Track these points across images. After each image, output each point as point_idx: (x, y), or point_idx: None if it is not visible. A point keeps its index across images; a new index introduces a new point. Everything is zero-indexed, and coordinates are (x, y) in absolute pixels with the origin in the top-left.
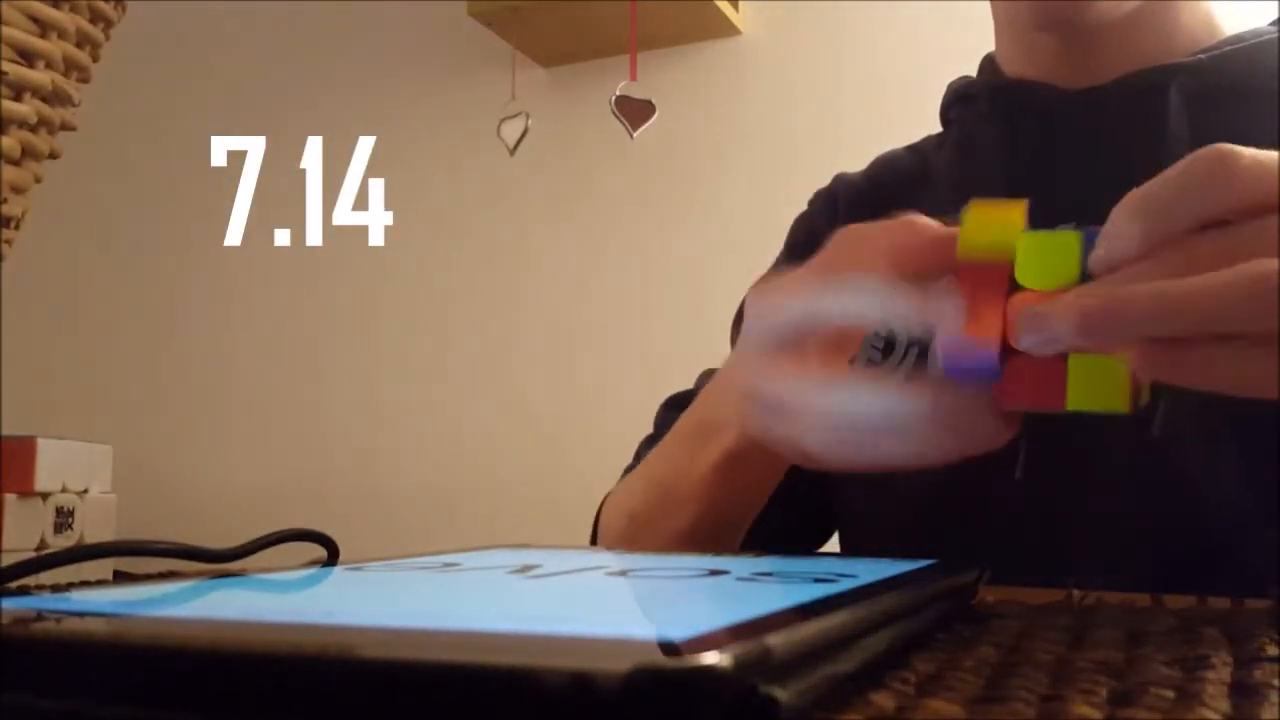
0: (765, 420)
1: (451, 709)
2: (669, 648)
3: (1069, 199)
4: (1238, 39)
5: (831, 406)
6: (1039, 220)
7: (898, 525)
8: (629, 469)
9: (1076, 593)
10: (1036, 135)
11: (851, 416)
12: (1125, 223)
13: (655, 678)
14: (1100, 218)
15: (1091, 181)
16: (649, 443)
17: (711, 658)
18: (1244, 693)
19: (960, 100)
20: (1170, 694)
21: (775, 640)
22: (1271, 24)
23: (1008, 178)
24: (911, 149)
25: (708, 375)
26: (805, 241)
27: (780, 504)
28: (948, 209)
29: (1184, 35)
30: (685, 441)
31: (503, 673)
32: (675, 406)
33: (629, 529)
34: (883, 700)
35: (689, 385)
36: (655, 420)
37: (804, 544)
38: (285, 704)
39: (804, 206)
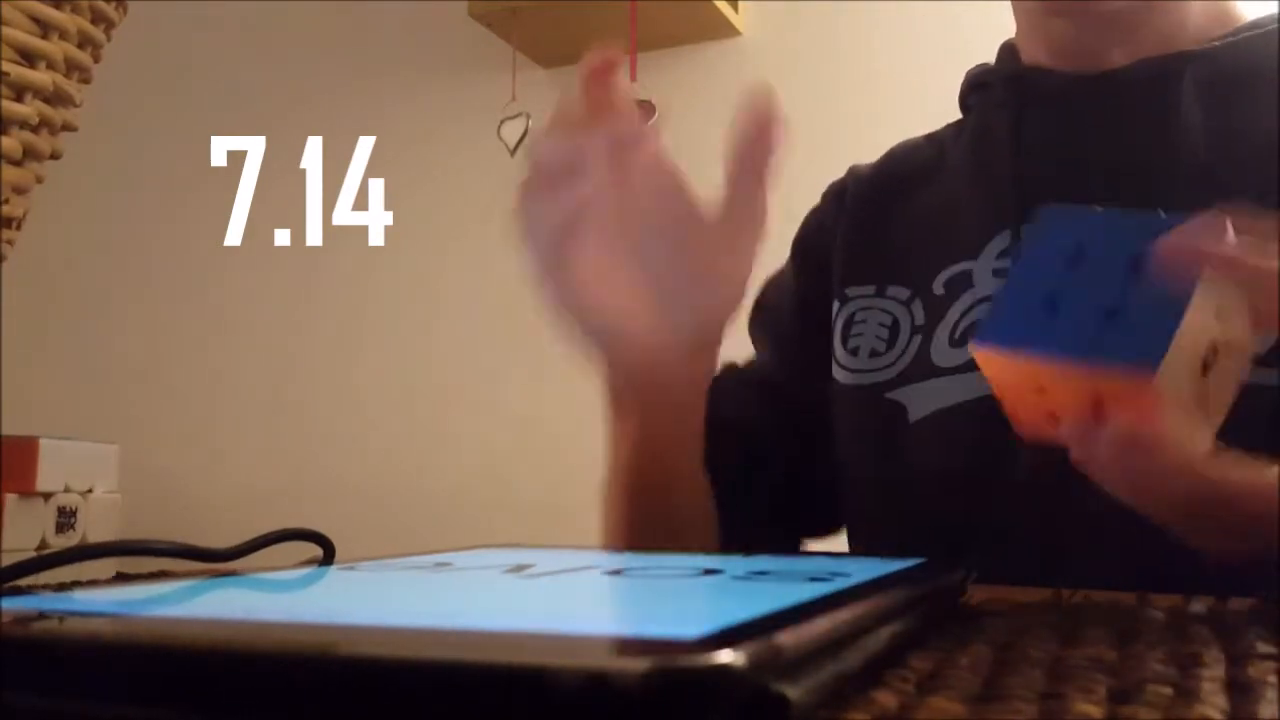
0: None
1: (466, 708)
2: (683, 646)
3: (1081, 186)
4: (1255, 25)
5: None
6: (1047, 203)
7: (899, 524)
8: None
9: (1065, 591)
10: (1049, 122)
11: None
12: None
13: (673, 676)
14: (1110, 203)
15: (1101, 168)
16: None
17: (727, 656)
18: (1241, 690)
19: (977, 88)
20: (1168, 691)
21: (786, 639)
22: None
23: (1017, 161)
24: (930, 137)
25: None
26: (815, 235)
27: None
28: (956, 192)
29: (1200, 21)
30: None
31: (520, 672)
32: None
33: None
34: (885, 698)
35: None
36: None
37: (807, 530)
38: (289, 704)
39: (803, 205)
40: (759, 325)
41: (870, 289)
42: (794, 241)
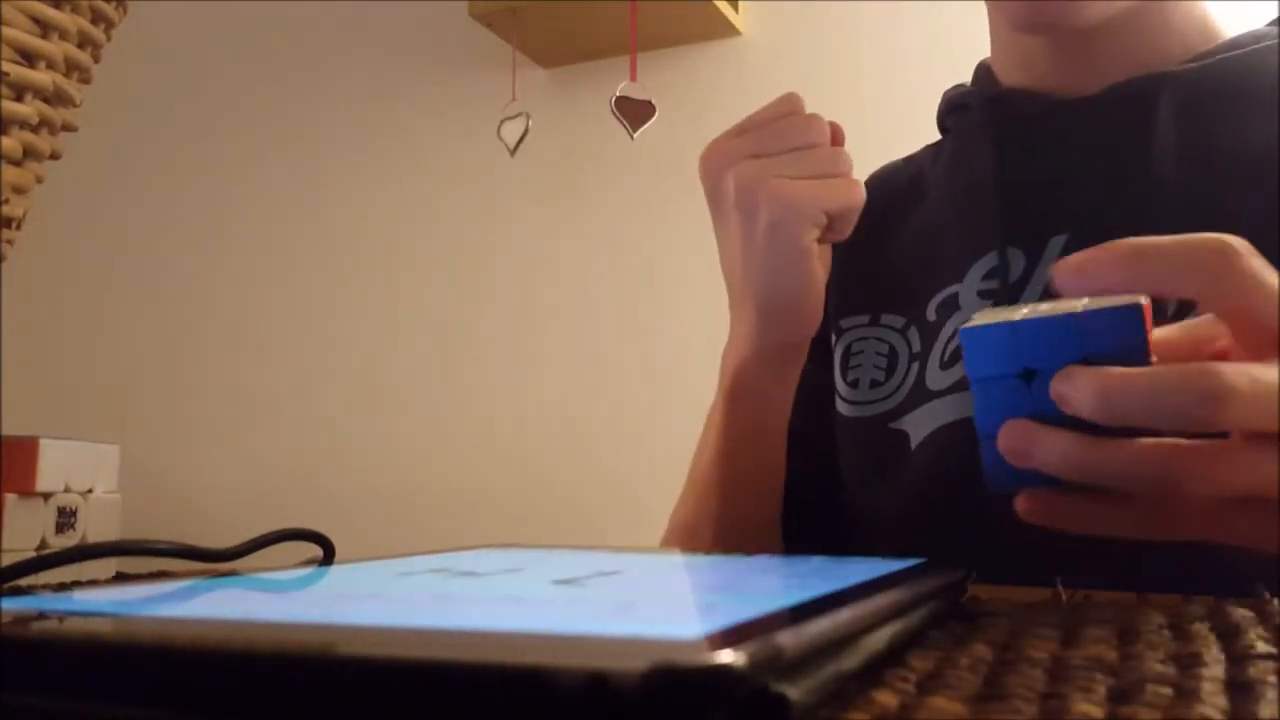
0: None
1: (466, 708)
2: (683, 646)
3: (1059, 209)
4: (1234, 44)
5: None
6: (1032, 231)
7: (896, 525)
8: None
9: (1064, 591)
10: (1027, 146)
11: None
12: (1113, 263)
13: (673, 677)
14: (1091, 229)
15: (1081, 192)
16: None
17: (727, 656)
18: (1241, 690)
19: (954, 110)
20: (1168, 691)
21: (786, 638)
22: (1270, 24)
23: (998, 187)
24: (909, 160)
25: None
26: None
27: (802, 504)
28: (940, 218)
29: (1179, 40)
30: (705, 424)
31: (520, 672)
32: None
33: (689, 543)
34: (885, 698)
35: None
36: None
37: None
38: (289, 704)
39: None
40: None
41: (864, 319)
42: None
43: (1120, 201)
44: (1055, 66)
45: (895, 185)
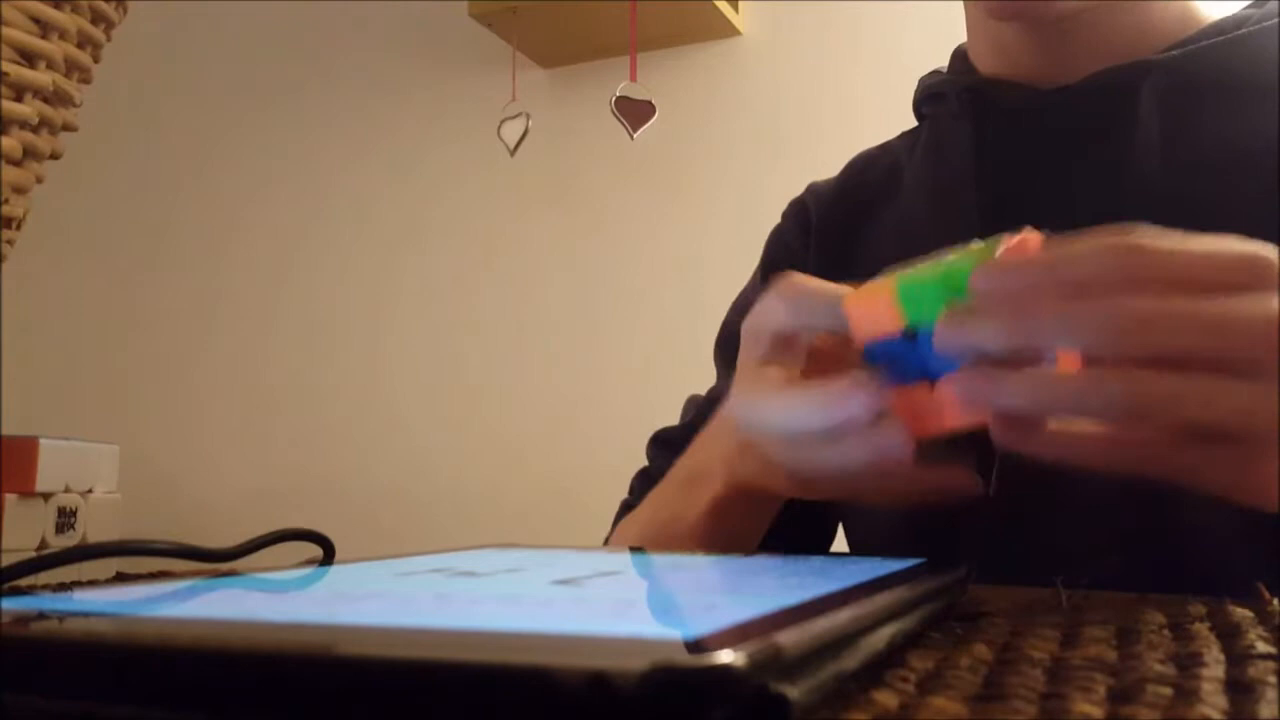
0: (748, 457)
1: (466, 708)
2: (683, 646)
3: (1039, 201)
4: (1216, 29)
5: (776, 417)
6: (1010, 221)
7: (892, 530)
8: (625, 504)
9: (1064, 591)
10: (1006, 136)
11: (791, 425)
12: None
13: (673, 676)
14: (1070, 219)
15: (1062, 184)
16: (642, 477)
17: (727, 656)
18: (1240, 690)
19: (931, 98)
20: (1168, 691)
21: (785, 638)
22: (1248, 6)
23: (977, 179)
24: (885, 148)
25: (693, 402)
26: (780, 255)
27: (782, 523)
28: (918, 211)
29: (1160, 26)
30: (679, 490)
31: (520, 672)
32: (663, 443)
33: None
34: (885, 698)
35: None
36: (647, 455)
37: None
38: (289, 704)
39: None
40: (728, 349)
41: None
42: (762, 264)
43: (1102, 193)
44: (1033, 54)
45: (873, 175)
